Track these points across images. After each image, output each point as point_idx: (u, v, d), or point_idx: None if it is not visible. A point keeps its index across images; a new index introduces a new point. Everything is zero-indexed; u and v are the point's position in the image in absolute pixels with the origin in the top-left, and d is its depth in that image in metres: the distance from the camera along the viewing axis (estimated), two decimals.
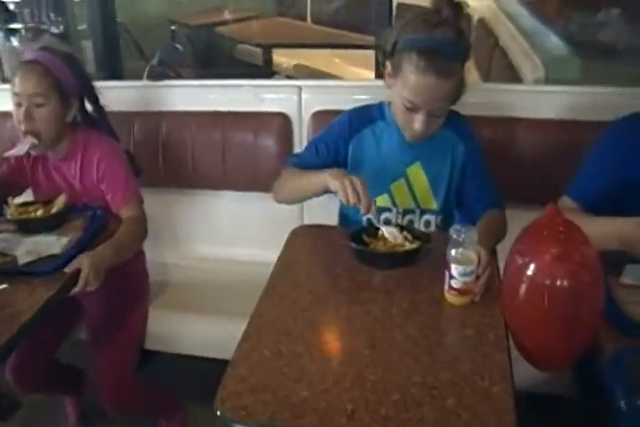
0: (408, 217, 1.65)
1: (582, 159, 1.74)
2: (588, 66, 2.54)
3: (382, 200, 1.63)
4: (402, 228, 1.48)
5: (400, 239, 1.44)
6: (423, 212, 1.64)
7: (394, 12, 2.21)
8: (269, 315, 1.26)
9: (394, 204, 1.64)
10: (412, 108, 1.47)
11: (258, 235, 2.20)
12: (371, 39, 3.73)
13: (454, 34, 1.43)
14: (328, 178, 1.42)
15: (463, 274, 1.24)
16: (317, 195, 1.54)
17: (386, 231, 1.45)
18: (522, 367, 1.16)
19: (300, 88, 2.12)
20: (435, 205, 1.64)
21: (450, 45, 1.41)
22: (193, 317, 1.90)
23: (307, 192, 1.56)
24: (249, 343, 1.17)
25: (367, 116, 1.64)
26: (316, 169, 1.53)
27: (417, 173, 1.62)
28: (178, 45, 3.02)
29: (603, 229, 1.38)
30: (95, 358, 1.75)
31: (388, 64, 1.50)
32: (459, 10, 1.45)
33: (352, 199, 1.35)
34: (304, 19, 5.05)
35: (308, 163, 1.63)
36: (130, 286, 1.87)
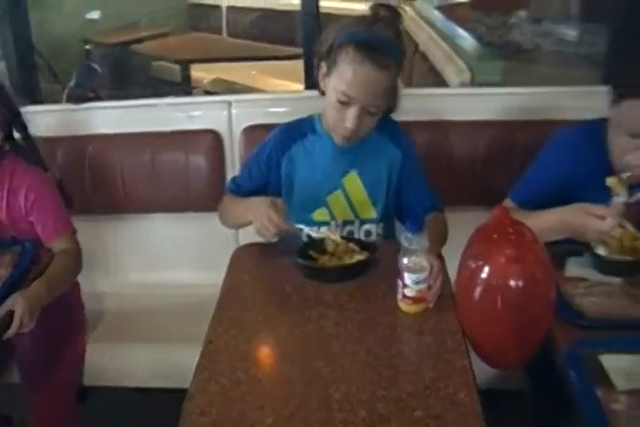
0: (347, 228, 1.63)
1: (515, 159, 1.79)
2: (508, 67, 2.61)
3: (321, 214, 1.62)
4: (348, 239, 1.47)
5: (338, 238, 1.45)
6: (363, 222, 1.63)
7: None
8: (221, 341, 1.22)
9: (332, 216, 1.62)
10: (346, 103, 1.44)
11: (196, 256, 2.14)
12: (292, 50, 3.77)
13: (391, 34, 1.44)
14: (249, 215, 1.46)
15: (416, 282, 1.24)
16: (244, 226, 1.57)
17: (323, 233, 1.47)
18: (476, 365, 1.16)
19: (229, 103, 2.08)
20: (374, 214, 1.63)
21: (387, 42, 1.42)
22: (134, 346, 1.81)
23: (245, 220, 1.53)
24: (205, 374, 1.13)
25: (297, 131, 1.62)
26: (255, 192, 1.58)
27: (353, 182, 1.61)
28: (94, 65, 2.92)
29: (547, 222, 1.43)
30: (30, 401, 1.63)
31: (324, 64, 1.49)
32: (395, 13, 1.46)
33: (269, 238, 1.43)
34: (219, 32, 5.02)
35: (245, 187, 1.64)
36: (65, 320, 1.77)
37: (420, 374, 1.11)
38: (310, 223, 1.55)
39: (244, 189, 1.64)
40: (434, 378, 1.09)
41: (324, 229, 1.54)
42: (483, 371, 1.24)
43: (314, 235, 1.48)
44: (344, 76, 1.43)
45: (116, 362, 1.79)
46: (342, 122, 1.47)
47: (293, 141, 1.61)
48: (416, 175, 1.62)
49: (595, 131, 1.52)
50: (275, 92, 2.97)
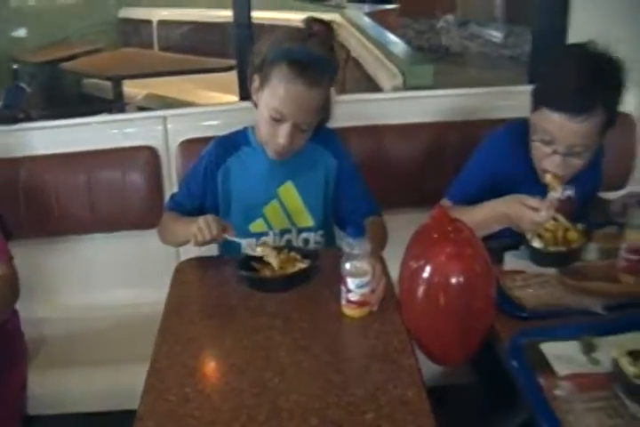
0: (285, 237, 1.63)
1: (449, 159, 1.83)
2: (438, 70, 2.66)
3: (258, 225, 1.61)
4: (289, 248, 1.47)
5: (259, 252, 1.44)
6: (300, 230, 1.63)
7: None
8: (168, 358, 1.20)
9: (270, 226, 1.62)
10: (278, 119, 1.44)
11: (136, 275, 2.09)
12: (225, 62, 3.75)
13: (325, 49, 1.44)
14: (191, 228, 1.44)
15: (360, 286, 1.25)
16: (185, 243, 1.55)
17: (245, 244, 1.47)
18: (423, 363, 1.18)
19: (164, 118, 2.06)
20: (311, 222, 1.63)
21: (320, 58, 1.42)
22: (78, 371, 1.76)
23: (185, 238, 1.51)
24: (153, 393, 1.11)
25: (231, 143, 1.61)
26: (195, 208, 1.59)
27: (289, 192, 1.61)
28: (23, 85, 2.85)
29: (484, 214, 1.47)
30: None
31: (257, 78, 1.48)
32: (329, 28, 1.46)
33: (201, 240, 1.42)
34: (151, 47, 4.96)
35: (185, 203, 1.62)
36: (4, 350, 1.70)
37: (369, 377, 1.12)
38: (248, 235, 1.55)
39: (184, 205, 1.62)
40: (382, 380, 1.11)
41: (263, 239, 1.53)
42: (430, 369, 1.27)
43: (250, 253, 1.45)
44: (276, 92, 1.43)
45: (60, 388, 1.74)
46: (275, 137, 1.47)
47: (228, 154, 1.59)
48: (353, 181, 1.64)
49: (521, 130, 1.56)
50: (209, 105, 2.95)
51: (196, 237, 1.41)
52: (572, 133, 1.44)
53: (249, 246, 1.46)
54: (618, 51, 1.47)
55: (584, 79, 1.41)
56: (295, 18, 4.67)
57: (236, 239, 1.46)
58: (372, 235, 1.42)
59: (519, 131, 1.56)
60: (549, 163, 1.49)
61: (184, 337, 1.26)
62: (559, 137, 1.45)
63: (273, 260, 1.42)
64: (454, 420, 1.25)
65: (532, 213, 1.39)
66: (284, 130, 1.45)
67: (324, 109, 1.52)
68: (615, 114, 1.47)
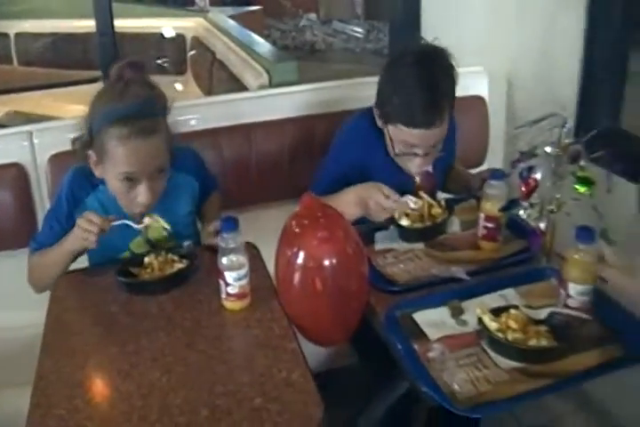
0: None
1: (318, 151, 1.88)
2: (302, 66, 2.72)
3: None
4: (167, 250, 1.47)
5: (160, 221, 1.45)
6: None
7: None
8: (53, 373, 1.18)
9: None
10: (132, 179, 1.39)
11: (12, 297, 2.00)
12: (90, 73, 3.65)
13: (145, 91, 1.39)
14: (70, 241, 1.41)
15: (238, 279, 1.28)
16: (68, 263, 1.48)
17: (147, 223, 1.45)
18: (308, 351, 1.22)
19: (30, 133, 1.98)
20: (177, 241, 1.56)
21: (144, 103, 1.37)
22: None
23: (60, 265, 1.47)
24: (39, 411, 1.09)
25: (87, 182, 1.50)
26: None
27: (153, 226, 1.51)
28: None
29: (346, 199, 1.52)
30: None
31: (92, 153, 1.42)
32: (139, 66, 1.42)
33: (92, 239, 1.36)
34: (10, 62, 4.72)
35: (49, 244, 1.50)
36: None
37: (254, 365, 1.16)
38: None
39: (49, 244, 1.50)
40: (267, 365, 1.15)
41: (146, 219, 1.46)
42: (314, 354, 1.31)
43: (135, 226, 1.43)
44: (118, 158, 1.37)
45: None
46: (136, 199, 1.42)
47: (86, 194, 1.50)
48: (206, 179, 1.66)
49: (370, 119, 1.64)
50: (76, 117, 2.85)
51: (88, 236, 1.35)
52: (431, 137, 1.54)
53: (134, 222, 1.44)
54: (467, 41, 1.58)
55: (429, 93, 1.50)
56: (158, 25, 4.62)
57: (121, 222, 1.41)
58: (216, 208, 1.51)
59: (368, 120, 1.64)
60: (413, 166, 1.58)
61: (68, 350, 1.25)
62: (419, 144, 1.54)
63: (160, 223, 1.43)
64: (341, 402, 1.31)
65: (382, 198, 1.46)
66: (142, 189, 1.40)
67: (170, 140, 1.45)
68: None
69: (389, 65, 1.60)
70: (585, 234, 1.24)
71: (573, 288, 1.26)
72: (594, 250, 1.25)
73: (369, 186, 1.51)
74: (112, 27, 2.18)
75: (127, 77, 1.38)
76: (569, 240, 1.38)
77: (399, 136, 1.55)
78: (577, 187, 1.39)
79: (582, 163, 1.40)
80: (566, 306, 1.27)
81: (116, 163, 1.38)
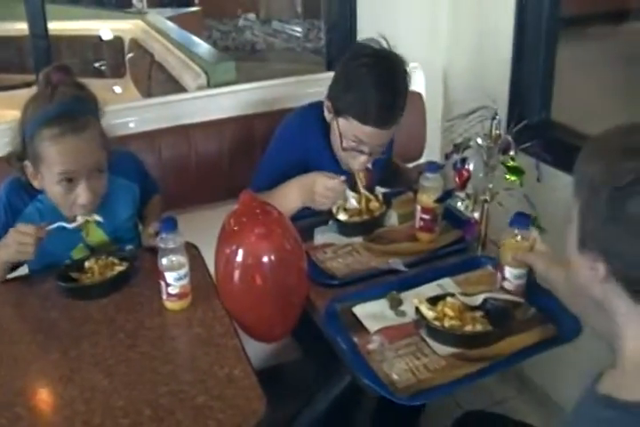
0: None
1: (258, 150, 1.89)
2: (242, 67, 2.73)
3: None
4: (107, 253, 1.46)
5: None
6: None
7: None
8: None
9: None
10: (71, 180, 1.36)
11: None
12: (24, 77, 3.57)
13: (74, 91, 1.38)
14: (4, 253, 1.37)
15: (178, 279, 1.28)
16: (3, 274, 1.44)
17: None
18: (251, 348, 1.24)
19: None
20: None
21: (73, 103, 1.36)
22: None
23: (5, 265, 1.43)
24: None
25: (25, 192, 1.46)
26: None
27: (94, 233, 1.51)
28: None
29: (287, 190, 1.54)
30: None
31: (28, 164, 1.39)
32: (66, 70, 1.40)
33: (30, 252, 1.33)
34: None
35: None
36: None
37: (196, 363, 1.17)
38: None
39: None
40: (209, 363, 1.16)
41: (79, 218, 1.43)
42: (258, 351, 1.32)
43: (69, 226, 1.40)
44: (53, 158, 1.34)
45: None
46: (76, 201, 1.39)
47: (24, 205, 1.46)
48: (148, 179, 1.66)
49: (317, 112, 1.66)
50: (9, 122, 2.78)
51: (25, 249, 1.32)
52: (380, 137, 1.56)
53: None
54: (403, 38, 1.60)
55: (387, 93, 1.51)
56: (96, 27, 4.52)
57: (57, 224, 1.38)
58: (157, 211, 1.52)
59: (315, 112, 1.65)
60: (356, 163, 1.59)
61: (9, 358, 1.23)
62: (368, 142, 1.55)
63: (94, 218, 1.43)
64: (287, 396, 1.32)
65: (326, 179, 1.48)
66: (81, 188, 1.37)
67: (105, 140, 1.43)
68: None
69: (347, 61, 1.59)
70: (521, 219, 1.30)
71: (509, 272, 1.31)
72: (529, 235, 1.30)
73: (311, 173, 1.52)
74: (46, 29, 2.13)
75: (55, 81, 1.37)
76: (503, 228, 1.44)
77: (350, 131, 1.55)
78: (507, 177, 1.44)
79: (512, 153, 1.44)
80: (502, 288, 1.32)
81: (52, 164, 1.35)
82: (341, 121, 1.56)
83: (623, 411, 0.78)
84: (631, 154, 0.80)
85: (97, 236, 1.52)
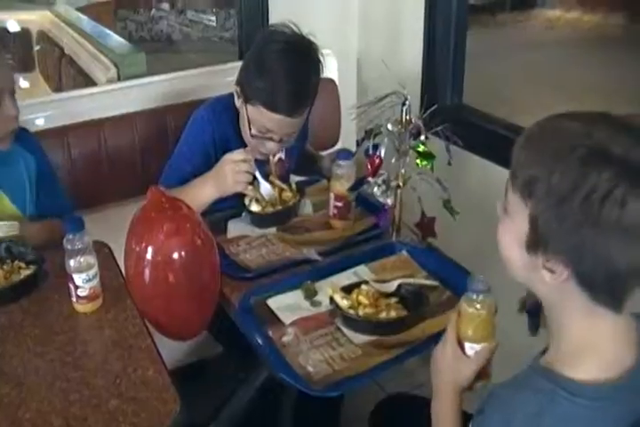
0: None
1: (171, 143, 1.85)
2: (157, 58, 2.67)
3: None
4: (14, 258, 1.40)
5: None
6: None
7: None
8: None
9: None
10: None
11: None
12: None
13: None
14: None
15: (87, 280, 1.24)
16: None
17: None
18: (168, 347, 1.22)
19: None
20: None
21: None
22: None
23: None
24: None
25: None
26: None
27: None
28: None
29: (198, 188, 1.51)
30: None
31: None
32: None
33: None
34: None
35: None
36: None
37: (109, 367, 1.14)
38: None
39: None
40: (122, 366, 1.13)
41: None
42: (176, 349, 1.30)
43: None
44: None
45: None
46: None
47: None
48: (51, 178, 1.60)
49: (227, 102, 1.63)
50: None
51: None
52: (290, 126, 1.54)
53: None
54: (316, 24, 1.58)
55: (296, 81, 1.49)
56: (1, 18, 4.32)
57: None
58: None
59: (226, 104, 1.62)
60: (265, 149, 1.57)
61: None
62: (277, 130, 1.53)
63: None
64: (208, 393, 1.31)
65: (236, 156, 1.46)
66: None
67: None
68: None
69: (258, 46, 1.55)
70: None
71: (471, 348, 1.04)
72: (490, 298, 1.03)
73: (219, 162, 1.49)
74: None
75: None
76: (417, 214, 1.45)
77: (258, 118, 1.52)
78: (418, 161, 1.46)
79: (423, 138, 1.46)
80: None
81: None
82: (250, 108, 1.53)
83: (562, 385, 0.81)
84: (597, 157, 0.77)
85: (5, 207, 1.48)
